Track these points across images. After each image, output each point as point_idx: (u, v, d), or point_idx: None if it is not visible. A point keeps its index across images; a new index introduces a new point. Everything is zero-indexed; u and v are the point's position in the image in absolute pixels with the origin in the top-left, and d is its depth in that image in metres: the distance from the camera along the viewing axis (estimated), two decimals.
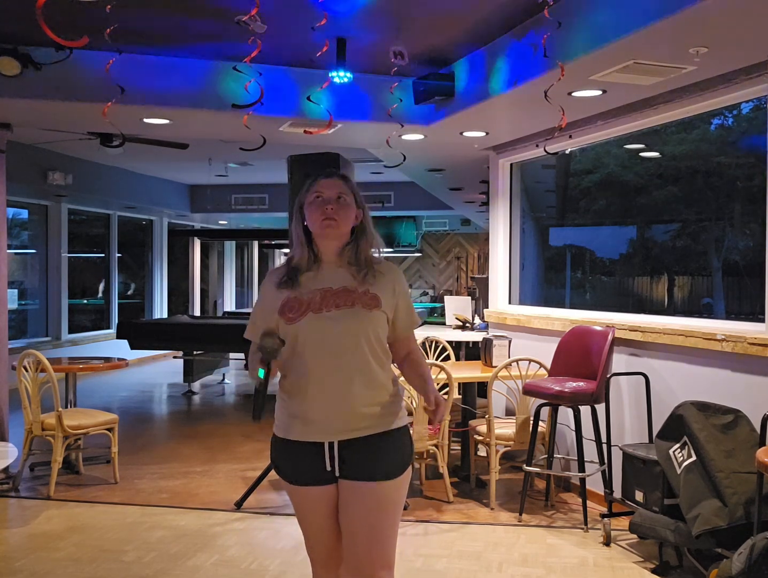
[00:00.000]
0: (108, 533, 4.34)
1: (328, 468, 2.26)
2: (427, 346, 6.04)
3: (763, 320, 3.79)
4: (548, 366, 4.83)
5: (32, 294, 10.81)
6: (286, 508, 4.73)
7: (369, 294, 2.27)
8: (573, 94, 4.31)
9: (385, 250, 12.58)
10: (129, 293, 13.38)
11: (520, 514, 4.58)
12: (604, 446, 4.37)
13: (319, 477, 2.29)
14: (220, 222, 14.83)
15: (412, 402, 4.71)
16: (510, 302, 6.18)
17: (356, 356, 2.24)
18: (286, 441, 2.31)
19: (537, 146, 5.34)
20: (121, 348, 8.84)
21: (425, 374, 2.44)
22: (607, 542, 4.15)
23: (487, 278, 6.48)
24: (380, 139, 5.52)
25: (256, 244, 17.00)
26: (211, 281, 13.37)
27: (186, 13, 4.15)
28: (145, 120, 5.34)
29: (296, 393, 2.27)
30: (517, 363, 4.88)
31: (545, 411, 4.71)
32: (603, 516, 4.25)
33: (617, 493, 4.22)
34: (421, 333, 5.93)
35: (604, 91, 4.29)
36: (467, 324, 6.81)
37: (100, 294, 12.31)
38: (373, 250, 2.35)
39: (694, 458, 3.48)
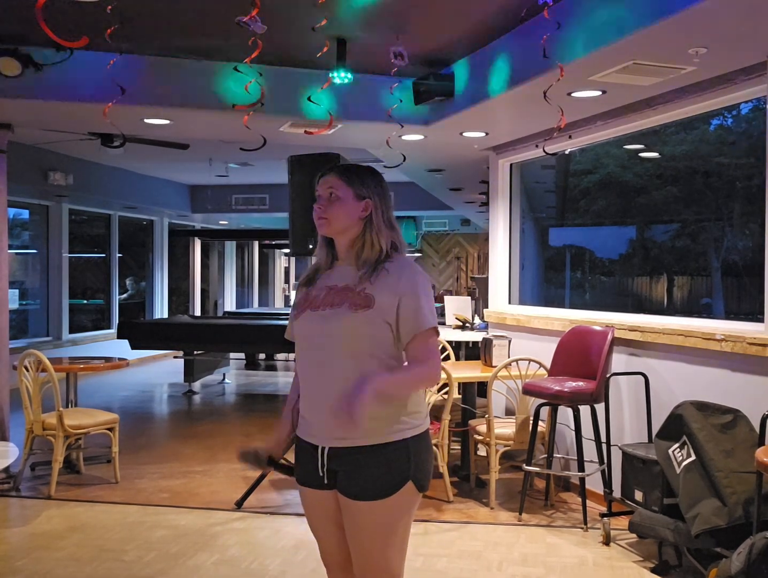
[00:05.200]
0: (108, 532, 4.35)
1: (320, 474, 2.17)
2: None
3: (762, 320, 3.80)
4: (548, 366, 4.84)
5: (33, 294, 10.82)
6: (287, 508, 4.74)
7: (363, 294, 2.12)
8: (573, 94, 4.31)
9: None
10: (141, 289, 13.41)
11: (520, 514, 4.59)
12: (604, 445, 4.38)
13: (315, 481, 2.21)
14: (221, 222, 14.84)
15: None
16: (510, 302, 6.19)
17: (336, 359, 2.11)
18: (297, 438, 2.27)
19: (537, 146, 5.34)
20: (121, 348, 8.85)
21: (397, 375, 2.13)
22: (607, 541, 4.16)
23: (487, 278, 6.48)
24: (380, 139, 5.53)
25: (256, 244, 17.02)
26: (212, 281, 13.39)
27: (186, 13, 4.16)
28: (146, 120, 5.35)
29: (301, 393, 2.25)
30: (517, 363, 4.89)
31: (545, 411, 4.72)
32: (602, 515, 4.26)
33: (617, 493, 4.23)
34: None
35: (604, 92, 4.30)
36: (467, 324, 6.82)
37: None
38: (379, 245, 2.17)
39: (693, 457, 3.49)
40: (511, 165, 6.16)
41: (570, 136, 5.02)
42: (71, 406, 5.71)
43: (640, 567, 3.86)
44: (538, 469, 4.78)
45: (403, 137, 5.61)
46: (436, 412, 4.85)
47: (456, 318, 6.96)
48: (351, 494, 2.13)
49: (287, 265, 19.29)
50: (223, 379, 10.41)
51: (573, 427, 4.54)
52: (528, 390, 4.63)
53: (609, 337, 4.44)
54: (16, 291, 9.97)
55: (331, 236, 2.23)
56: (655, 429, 4.01)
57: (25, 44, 4.52)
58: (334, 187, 2.19)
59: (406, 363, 2.20)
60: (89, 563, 3.90)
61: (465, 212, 13.15)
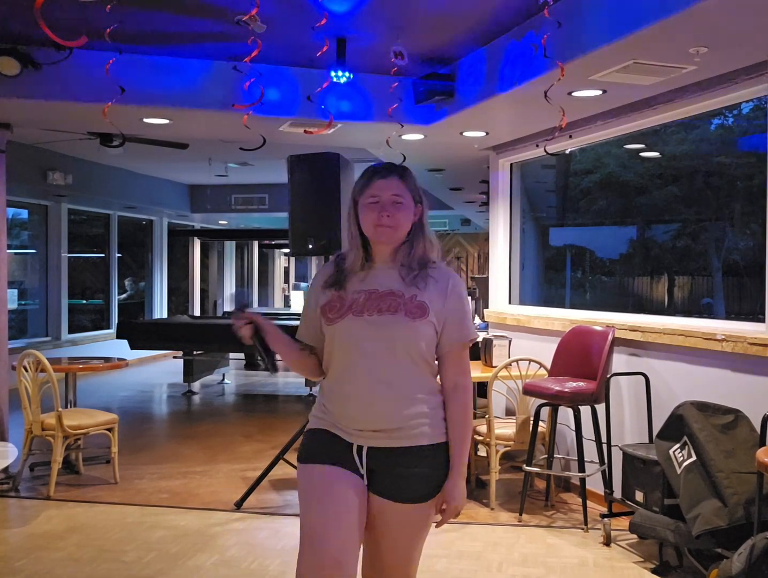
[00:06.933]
0: (108, 533, 4.34)
1: (361, 472, 2.11)
2: None
3: (763, 320, 3.79)
4: (548, 366, 4.83)
5: (32, 294, 10.81)
6: (286, 508, 4.73)
7: (416, 301, 2.09)
8: (573, 94, 4.31)
9: None
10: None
11: (520, 514, 4.58)
12: (604, 446, 4.37)
13: (347, 465, 2.11)
14: (220, 222, 14.83)
15: None
16: (510, 302, 6.18)
17: (391, 365, 2.09)
18: (316, 430, 2.18)
19: (537, 146, 5.34)
20: (121, 348, 8.84)
21: (460, 443, 2.14)
22: (607, 542, 4.15)
23: (487, 278, 6.48)
24: (380, 139, 5.52)
25: (256, 244, 17.02)
26: (211, 281, 13.38)
27: (186, 13, 4.15)
28: (145, 120, 5.34)
29: (330, 397, 2.17)
30: (517, 363, 4.88)
31: (545, 411, 4.71)
32: (603, 516, 4.25)
33: (617, 493, 4.22)
34: None
35: (604, 91, 4.29)
36: None
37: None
38: (429, 252, 2.17)
39: (694, 458, 3.48)
40: (511, 165, 6.16)
41: (570, 136, 5.01)
42: (70, 406, 5.70)
43: (641, 567, 3.85)
44: (538, 469, 4.78)
45: (403, 137, 5.60)
46: None
47: None
48: (392, 496, 2.10)
49: (287, 265, 19.30)
50: (223, 379, 10.40)
51: (573, 427, 4.53)
52: (528, 390, 4.62)
53: (609, 337, 4.43)
54: (15, 291, 9.96)
55: (388, 244, 2.15)
56: (655, 430, 4.00)
57: (24, 43, 4.51)
58: (400, 193, 2.14)
59: (439, 383, 2.19)
60: (89, 563, 3.89)
61: (465, 212, 13.14)
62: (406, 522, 2.12)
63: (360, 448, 2.10)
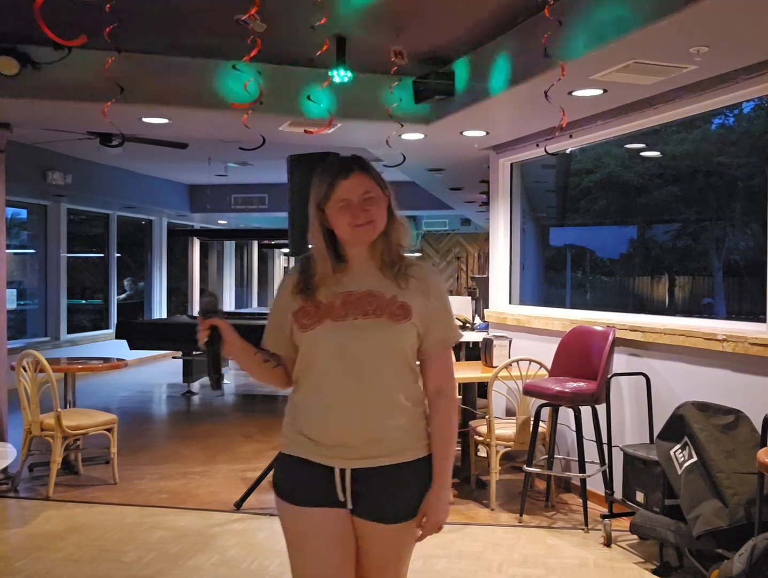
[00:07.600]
0: (108, 533, 4.34)
1: (341, 498, 1.97)
2: None
3: (764, 321, 3.79)
4: (548, 366, 4.82)
5: (31, 294, 10.80)
6: None
7: (397, 302, 1.97)
8: (573, 93, 4.30)
9: None
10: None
11: (521, 515, 4.58)
12: (605, 446, 4.36)
13: (327, 500, 1.97)
14: (220, 222, 14.82)
15: None
16: (510, 302, 6.18)
17: (376, 373, 1.95)
18: (290, 457, 2.02)
19: (537, 145, 5.33)
20: (120, 348, 8.84)
21: (444, 454, 2.03)
22: (608, 543, 4.14)
23: (487, 278, 6.47)
24: (380, 139, 5.51)
25: (255, 244, 17.01)
26: (211, 281, 13.37)
27: (185, 12, 4.15)
28: (145, 120, 5.33)
29: (305, 409, 2.01)
30: (518, 363, 4.87)
31: (546, 412, 4.70)
32: (603, 516, 4.24)
33: (618, 494, 4.22)
34: None
35: (605, 91, 4.28)
36: (467, 324, 6.80)
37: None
38: (403, 236, 2.03)
39: (694, 458, 3.47)
40: (511, 164, 6.15)
41: (571, 136, 5.01)
42: (69, 407, 5.69)
43: (641, 568, 3.84)
44: (538, 470, 4.77)
45: (403, 136, 5.59)
46: None
47: (456, 318, 6.92)
48: (377, 517, 1.99)
49: (286, 265, 19.28)
50: (223, 379, 10.38)
51: (574, 428, 4.52)
52: (529, 391, 4.61)
53: (610, 337, 4.43)
54: (15, 291, 9.95)
55: (368, 241, 2.00)
56: (656, 430, 4.00)
57: (23, 43, 4.50)
58: (369, 189, 2.00)
59: (424, 385, 2.08)
60: (89, 563, 3.88)
61: (465, 212, 13.14)
62: (393, 541, 2.04)
63: (342, 471, 1.96)
